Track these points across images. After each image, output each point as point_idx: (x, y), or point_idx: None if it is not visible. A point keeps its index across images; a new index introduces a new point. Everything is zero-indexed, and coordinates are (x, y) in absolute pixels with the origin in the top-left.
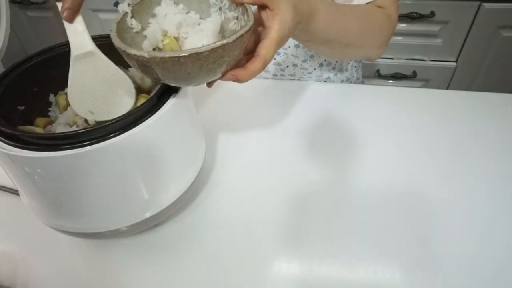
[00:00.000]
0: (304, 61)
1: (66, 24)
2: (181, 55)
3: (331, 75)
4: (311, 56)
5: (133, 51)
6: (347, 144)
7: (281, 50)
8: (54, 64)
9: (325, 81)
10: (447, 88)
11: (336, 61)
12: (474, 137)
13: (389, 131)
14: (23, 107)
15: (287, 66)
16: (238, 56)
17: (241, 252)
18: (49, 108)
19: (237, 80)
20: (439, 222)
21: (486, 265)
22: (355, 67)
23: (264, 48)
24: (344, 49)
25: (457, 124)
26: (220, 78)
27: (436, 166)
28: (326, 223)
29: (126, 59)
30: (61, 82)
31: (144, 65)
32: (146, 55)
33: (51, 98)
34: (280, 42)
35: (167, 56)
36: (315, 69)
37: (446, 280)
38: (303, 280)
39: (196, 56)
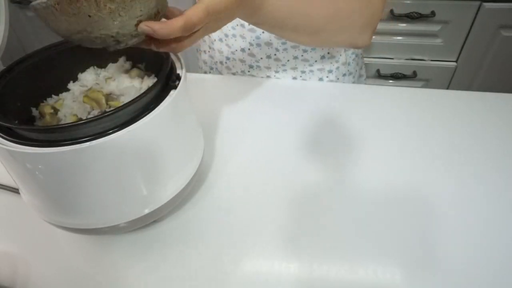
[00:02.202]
0: (305, 51)
1: None
2: None
3: (333, 68)
4: (313, 48)
5: (34, 2)
6: (346, 143)
7: (280, 46)
8: (26, 77)
9: (327, 77)
10: (447, 88)
11: (341, 55)
12: (474, 137)
13: (389, 131)
14: (16, 122)
15: (288, 61)
16: (151, 7)
17: (240, 249)
18: (35, 123)
19: (153, 32)
20: (439, 222)
21: (486, 265)
22: (357, 61)
23: (191, 10)
24: (316, 35)
25: (457, 124)
26: (135, 30)
27: (436, 166)
28: (327, 223)
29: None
30: (39, 94)
31: (45, 12)
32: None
33: (34, 112)
34: (211, 12)
35: None
36: (316, 61)
37: (446, 280)
38: (303, 280)
39: None
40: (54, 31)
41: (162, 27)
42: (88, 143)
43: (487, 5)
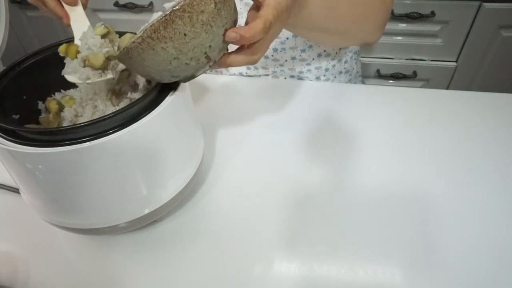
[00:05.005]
0: (303, 51)
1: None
2: (166, 13)
3: (330, 66)
4: (310, 46)
5: (136, 38)
6: (346, 143)
7: (278, 46)
8: (36, 71)
9: (325, 75)
10: (447, 88)
11: (336, 53)
12: (474, 137)
13: (389, 131)
14: (17, 116)
15: (286, 61)
16: (232, 13)
17: (240, 249)
18: (40, 116)
19: (241, 38)
20: (439, 222)
21: (486, 264)
22: (354, 59)
23: (263, 10)
24: (341, 35)
25: (457, 124)
26: (224, 40)
27: (436, 166)
28: (326, 223)
29: (128, 59)
30: (48, 88)
31: (141, 48)
32: (138, 35)
33: (40, 105)
34: (279, 10)
35: (154, 21)
36: (313, 59)
37: (446, 280)
38: (303, 280)
39: (181, 8)
40: (146, 71)
41: (246, 31)
42: (88, 143)
43: (487, 5)
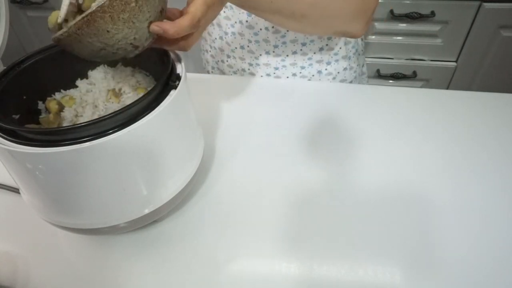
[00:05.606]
0: (304, 44)
1: None
2: (87, 12)
3: (332, 60)
4: (312, 41)
5: (56, 34)
6: (346, 143)
7: (278, 41)
8: (36, 71)
9: (326, 69)
10: (447, 88)
11: (340, 48)
12: (473, 137)
13: (388, 131)
14: (17, 116)
15: (287, 56)
16: (156, 5)
17: (240, 249)
18: (40, 116)
19: (164, 31)
20: (439, 222)
21: (486, 264)
22: (357, 57)
23: (192, 6)
24: (302, 20)
25: (457, 124)
26: (149, 32)
27: (436, 166)
28: (326, 223)
29: (60, 44)
30: (48, 88)
31: (69, 40)
32: (65, 29)
33: (40, 105)
34: (210, 3)
35: (78, 19)
36: (315, 53)
37: (446, 280)
38: (303, 280)
39: (101, 9)
40: (81, 56)
41: (171, 27)
42: (88, 143)
43: (487, 5)
